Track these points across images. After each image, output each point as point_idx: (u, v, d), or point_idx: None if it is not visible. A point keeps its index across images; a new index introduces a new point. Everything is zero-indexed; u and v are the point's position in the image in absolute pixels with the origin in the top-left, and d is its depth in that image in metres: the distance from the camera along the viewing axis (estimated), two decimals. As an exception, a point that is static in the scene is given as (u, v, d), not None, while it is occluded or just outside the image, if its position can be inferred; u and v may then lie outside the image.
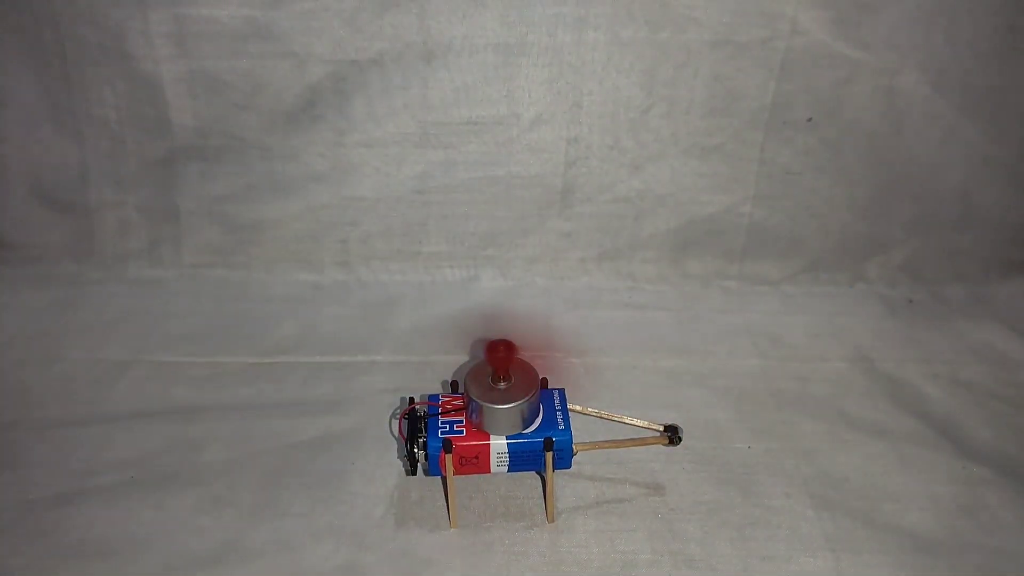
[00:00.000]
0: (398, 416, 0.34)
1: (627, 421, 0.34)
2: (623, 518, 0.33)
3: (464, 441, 0.31)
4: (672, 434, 0.34)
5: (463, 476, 0.32)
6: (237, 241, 0.47)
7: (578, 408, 0.34)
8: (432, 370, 0.41)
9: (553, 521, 0.33)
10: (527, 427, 0.32)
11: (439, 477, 0.33)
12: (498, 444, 0.31)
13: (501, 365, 0.31)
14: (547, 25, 0.40)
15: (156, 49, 0.42)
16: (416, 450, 0.32)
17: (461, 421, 0.32)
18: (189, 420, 0.38)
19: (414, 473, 0.33)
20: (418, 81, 0.42)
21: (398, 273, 0.48)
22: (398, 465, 0.35)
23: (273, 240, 0.47)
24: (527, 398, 0.31)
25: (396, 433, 0.36)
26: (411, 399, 0.33)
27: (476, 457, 0.31)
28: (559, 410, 0.33)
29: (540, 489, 0.34)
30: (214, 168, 0.45)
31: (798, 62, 0.41)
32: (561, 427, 0.32)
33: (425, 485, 0.34)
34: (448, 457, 0.31)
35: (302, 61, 0.41)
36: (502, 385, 0.31)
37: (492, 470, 0.32)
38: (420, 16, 0.40)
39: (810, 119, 0.43)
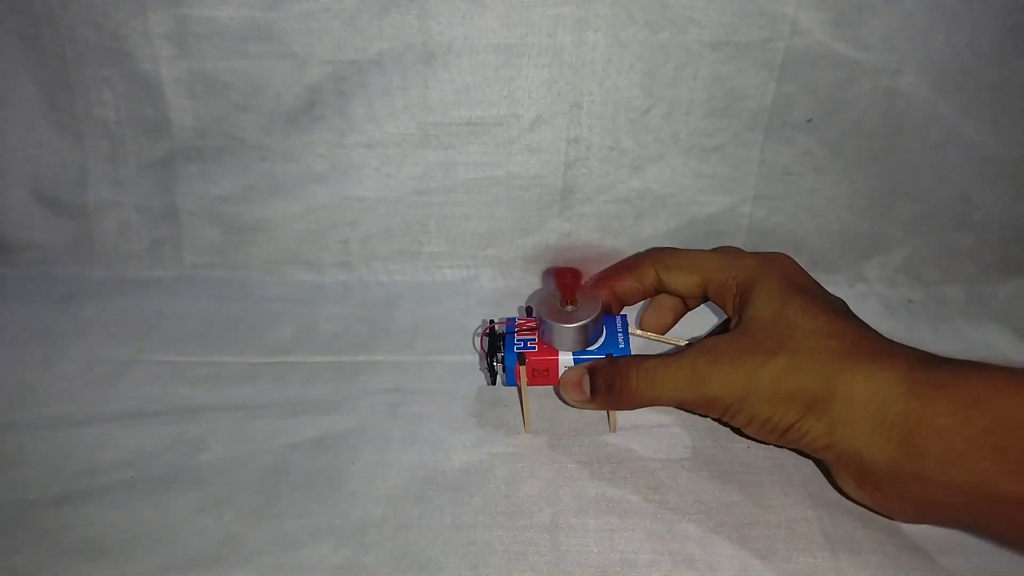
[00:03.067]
0: (479, 334, 0.39)
1: (682, 343, 0.38)
2: (622, 517, 0.33)
3: (536, 356, 0.36)
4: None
5: (535, 388, 0.37)
6: (237, 241, 0.47)
7: (639, 332, 0.39)
8: (432, 370, 0.41)
9: (615, 431, 0.37)
10: (591, 345, 0.36)
11: (514, 388, 0.38)
12: (565, 359, 0.36)
13: (568, 290, 0.35)
14: (547, 26, 0.40)
15: (156, 50, 0.42)
16: (495, 363, 0.36)
17: (534, 340, 0.36)
18: (189, 420, 0.38)
19: (493, 383, 0.37)
20: (418, 82, 0.42)
21: (398, 273, 0.48)
22: (398, 465, 0.35)
23: (273, 240, 0.47)
24: (590, 318, 0.35)
25: (478, 348, 0.42)
26: (491, 320, 0.38)
27: (547, 370, 0.36)
28: (620, 332, 0.37)
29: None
30: (214, 169, 0.45)
31: (798, 63, 0.41)
32: (622, 346, 0.36)
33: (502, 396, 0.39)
34: (522, 369, 0.35)
35: (302, 62, 0.42)
36: (569, 308, 0.36)
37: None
38: (420, 17, 0.40)
39: (810, 120, 0.42)
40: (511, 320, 0.38)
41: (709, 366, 0.32)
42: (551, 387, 0.38)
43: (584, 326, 0.35)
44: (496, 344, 0.37)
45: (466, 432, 0.37)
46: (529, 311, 0.39)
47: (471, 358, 0.42)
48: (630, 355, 0.35)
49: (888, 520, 0.33)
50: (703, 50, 0.40)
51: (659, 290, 0.38)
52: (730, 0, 0.39)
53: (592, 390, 0.34)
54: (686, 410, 0.37)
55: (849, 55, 0.40)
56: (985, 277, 0.47)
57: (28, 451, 0.36)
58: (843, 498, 0.33)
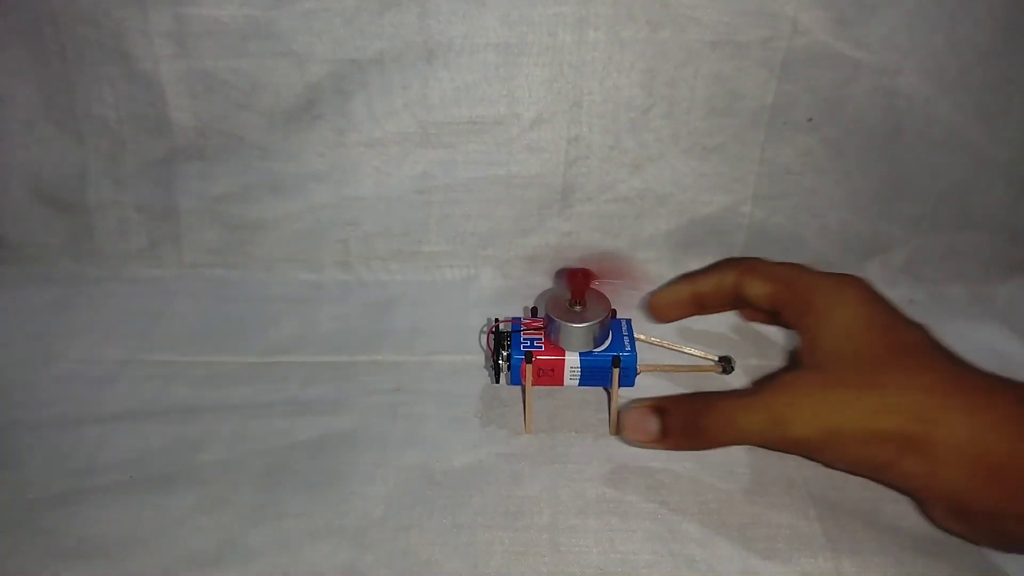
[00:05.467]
0: (486, 331, 0.40)
1: (685, 350, 0.40)
2: (623, 518, 0.33)
3: (543, 355, 0.36)
4: (725, 364, 0.39)
5: (539, 388, 0.38)
6: (237, 241, 0.47)
7: (642, 337, 0.39)
8: (432, 370, 0.41)
9: (616, 434, 0.37)
10: (598, 347, 0.36)
11: (519, 388, 0.38)
12: (572, 359, 0.36)
13: (579, 290, 0.36)
14: (547, 25, 0.40)
15: (156, 48, 0.41)
16: (501, 361, 0.37)
17: (540, 339, 0.37)
18: (188, 420, 0.38)
19: (497, 381, 0.38)
20: (418, 81, 0.42)
21: (398, 273, 0.48)
22: (398, 466, 0.35)
23: (273, 240, 0.47)
24: (599, 320, 0.36)
25: (484, 346, 0.42)
26: (496, 319, 0.39)
27: (552, 370, 0.36)
28: (626, 335, 0.37)
29: (604, 405, 0.38)
30: (214, 168, 0.45)
31: (799, 62, 0.41)
32: (627, 349, 0.36)
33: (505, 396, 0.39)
34: (528, 367, 0.36)
35: (302, 61, 0.41)
36: (577, 308, 0.36)
37: (565, 383, 0.37)
38: (421, 16, 0.40)
39: (811, 119, 0.42)
40: (517, 320, 0.38)
41: (787, 407, 0.30)
42: (553, 387, 0.38)
43: (593, 327, 0.35)
44: (502, 342, 0.37)
45: (466, 432, 0.37)
46: (534, 311, 0.40)
47: (471, 358, 0.42)
48: (699, 394, 0.33)
49: (890, 521, 0.33)
50: (704, 49, 0.40)
51: (737, 296, 0.37)
52: (731, 0, 0.39)
53: (664, 431, 0.33)
54: (767, 448, 0.35)
55: (850, 55, 0.40)
56: (986, 277, 0.47)
57: (27, 451, 0.36)
58: (845, 498, 0.33)
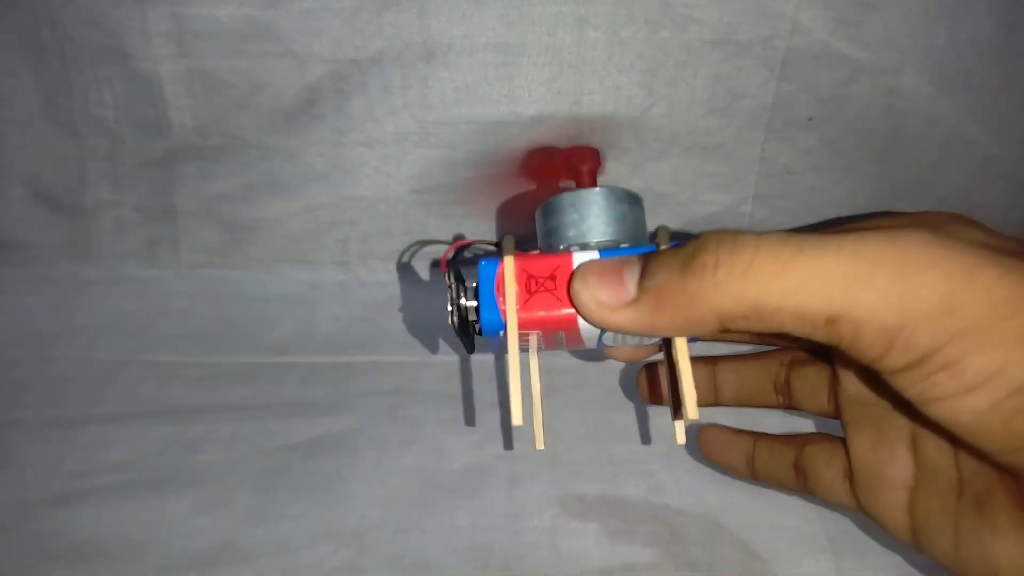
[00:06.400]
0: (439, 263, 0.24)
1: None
2: (624, 520, 0.33)
3: (533, 258, 0.20)
4: None
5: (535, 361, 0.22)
6: (235, 241, 0.47)
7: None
8: (432, 371, 0.41)
9: (691, 417, 0.22)
10: (625, 241, 0.21)
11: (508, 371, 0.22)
12: (584, 255, 0.20)
13: (586, 176, 0.22)
14: (547, 24, 0.40)
15: (155, 48, 0.41)
16: (462, 299, 0.21)
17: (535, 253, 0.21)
18: (186, 421, 0.38)
19: (471, 350, 0.24)
20: (418, 80, 0.42)
21: (397, 273, 0.48)
22: (397, 467, 0.35)
23: (271, 240, 0.47)
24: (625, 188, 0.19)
25: (446, 283, 0.25)
26: (456, 237, 0.24)
27: (552, 276, 0.19)
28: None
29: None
30: (213, 168, 0.45)
31: (799, 61, 0.40)
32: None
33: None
34: (508, 261, 0.19)
35: (302, 60, 0.41)
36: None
37: (584, 332, 0.20)
38: (420, 15, 0.40)
39: (811, 118, 0.42)
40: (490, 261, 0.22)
41: (920, 247, 0.20)
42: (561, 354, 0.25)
43: (623, 195, 0.22)
44: (460, 274, 0.22)
45: (466, 434, 0.37)
46: (498, 246, 0.23)
47: (471, 358, 0.42)
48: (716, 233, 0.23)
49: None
50: (703, 49, 0.40)
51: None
52: (731, -1, 0.39)
53: (645, 278, 0.21)
54: (765, 336, 0.25)
55: (850, 54, 0.40)
56: (987, 277, 0.47)
57: (24, 452, 0.36)
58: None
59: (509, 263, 0.20)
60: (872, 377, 0.23)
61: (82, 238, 0.47)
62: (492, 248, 0.23)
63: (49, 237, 0.47)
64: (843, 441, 0.26)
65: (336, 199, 0.46)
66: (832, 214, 0.45)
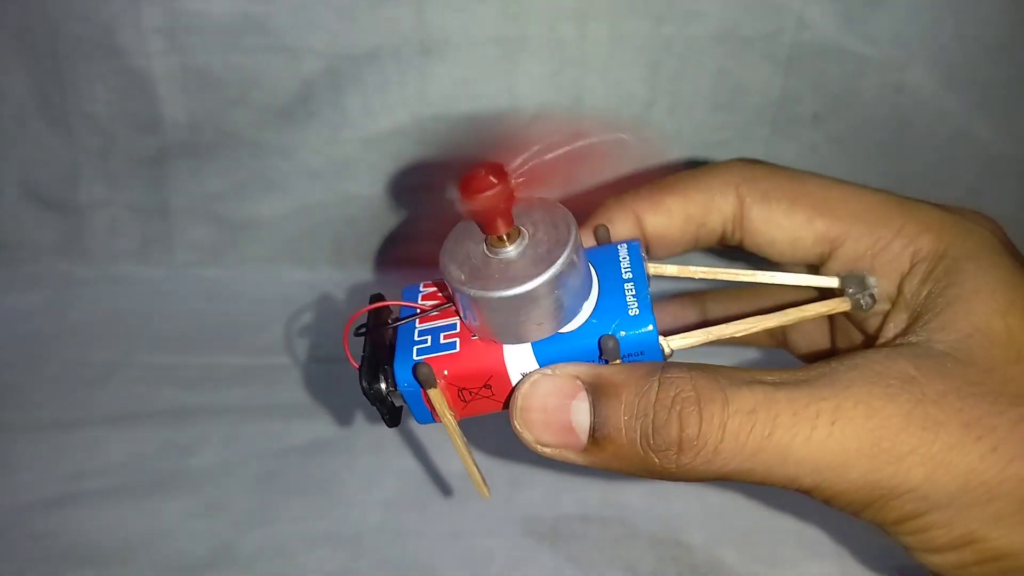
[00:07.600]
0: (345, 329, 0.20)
1: (763, 279, 0.21)
2: (625, 524, 0.32)
3: (460, 357, 0.18)
4: (857, 290, 0.20)
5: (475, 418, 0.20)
6: (230, 239, 0.46)
7: (671, 270, 0.19)
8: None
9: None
10: (568, 320, 0.18)
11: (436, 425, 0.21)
12: (518, 358, 0.17)
13: (493, 212, 0.17)
14: (548, 18, 0.39)
15: (148, 44, 0.41)
16: (384, 388, 0.18)
17: (454, 325, 0.19)
18: (180, 423, 0.37)
19: (394, 423, 0.20)
20: (415, 75, 0.41)
21: (395, 272, 0.47)
22: (394, 470, 0.35)
23: (267, 238, 0.46)
24: (559, 263, 0.17)
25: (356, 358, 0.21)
26: (374, 296, 0.21)
27: (486, 385, 0.18)
28: (628, 280, 0.19)
29: None
30: (206, 165, 0.44)
31: (805, 57, 0.40)
32: (634, 311, 0.18)
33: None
34: (434, 394, 0.18)
35: (296, 56, 0.41)
36: (509, 250, 0.18)
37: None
38: (417, 9, 0.39)
39: (816, 115, 0.42)
40: (410, 293, 0.21)
41: (901, 431, 0.18)
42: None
43: (546, 286, 0.17)
44: (378, 350, 0.20)
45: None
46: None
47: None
48: (695, 367, 0.18)
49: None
50: (707, 44, 0.40)
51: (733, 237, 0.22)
52: (735, -7, 0.38)
53: (597, 434, 0.18)
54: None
55: (856, 50, 0.40)
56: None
57: (17, 455, 0.36)
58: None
59: (437, 396, 0.18)
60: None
61: (75, 237, 0.46)
62: (413, 310, 0.21)
63: (41, 236, 0.47)
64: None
65: (332, 196, 0.45)
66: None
